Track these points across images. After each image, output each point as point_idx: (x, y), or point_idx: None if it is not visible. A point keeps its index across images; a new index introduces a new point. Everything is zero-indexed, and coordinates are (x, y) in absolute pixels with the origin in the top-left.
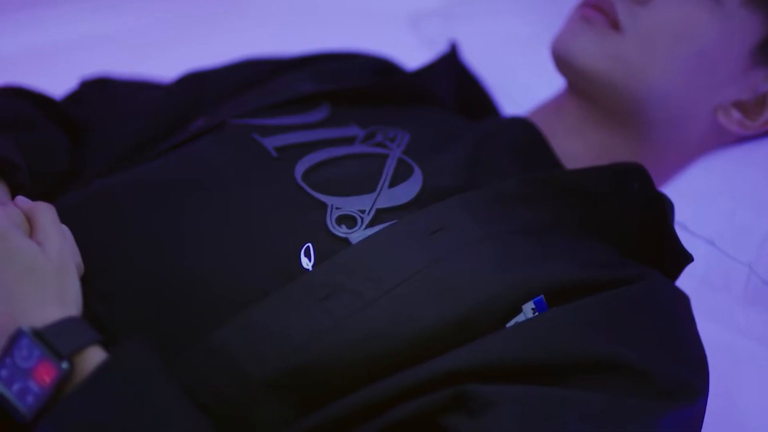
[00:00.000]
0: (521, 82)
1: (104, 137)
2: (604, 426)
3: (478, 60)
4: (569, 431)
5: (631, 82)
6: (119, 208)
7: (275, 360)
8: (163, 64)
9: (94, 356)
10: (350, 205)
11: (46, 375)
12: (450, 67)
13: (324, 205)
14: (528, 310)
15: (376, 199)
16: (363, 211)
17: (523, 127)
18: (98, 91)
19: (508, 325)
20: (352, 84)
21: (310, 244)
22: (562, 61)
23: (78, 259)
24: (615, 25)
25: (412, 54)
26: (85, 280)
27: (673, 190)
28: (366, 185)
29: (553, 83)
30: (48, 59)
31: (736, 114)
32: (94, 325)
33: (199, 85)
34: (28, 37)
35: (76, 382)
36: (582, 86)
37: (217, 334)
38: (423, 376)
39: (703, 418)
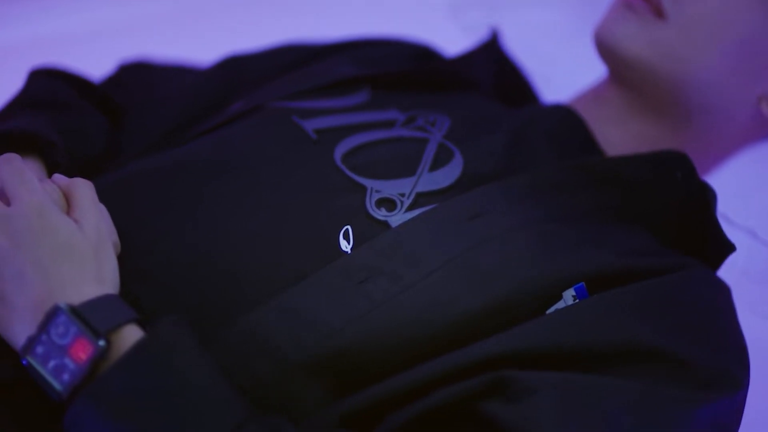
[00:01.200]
0: (561, 70)
1: (142, 120)
2: (643, 415)
3: (518, 48)
4: (608, 419)
5: (673, 69)
6: (157, 189)
7: (313, 343)
8: (187, 50)
9: (130, 334)
10: (390, 188)
11: (82, 352)
12: (490, 55)
13: (363, 188)
14: (568, 297)
15: (416, 182)
16: (403, 195)
17: (564, 114)
18: (136, 74)
19: (548, 311)
20: (393, 68)
21: (349, 227)
22: (604, 48)
23: (115, 237)
24: (658, 12)
25: (452, 42)
26: (122, 260)
27: (715, 179)
28: (406, 169)
29: (594, 72)
30: (64, 48)
31: None
32: (131, 304)
33: (238, 69)
34: (47, 25)
35: (112, 360)
36: (624, 74)
37: (254, 316)
38: (462, 361)
39: (743, 410)
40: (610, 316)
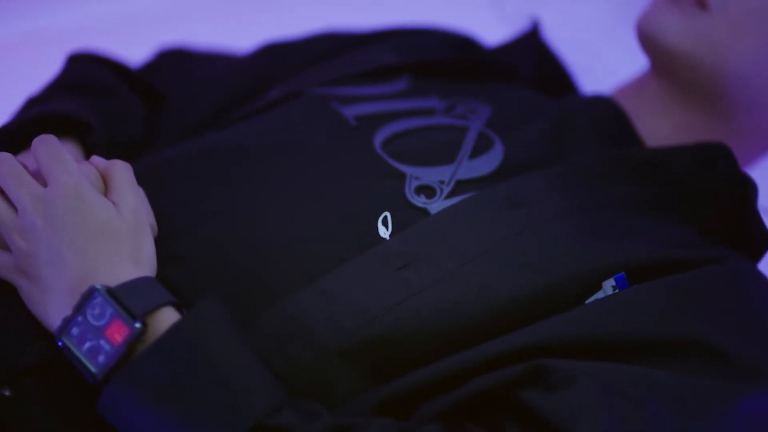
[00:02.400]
0: (602, 62)
1: (180, 106)
2: (683, 407)
3: (558, 39)
4: (648, 411)
5: (717, 62)
6: (195, 173)
7: (350, 328)
8: (225, 38)
9: (167, 317)
10: (429, 175)
11: (117, 334)
12: (531, 46)
13: (403, 175)
14: (608, 287)
15: (456, 170)
16: (442, 182)
17: (605, 105)
18: (175, 61)
19: (588, 301)
20: (434, 57)
21: (387, 213)
22: (647, 40)
23: (152, 220)
24: (701, 3)
25: (493, 32)
26: (159, 243)
27: (757, 172)
28: (446, 156)
29: (635, 64)
30: (103, 34)
31: None
32: (168, 287)
33: (277, 56)
34: (85, 11)
35: (148, 343)
36: (667, 66)
37: (291, 301)
38: (500, 349)
39: None
40: (650, 306)
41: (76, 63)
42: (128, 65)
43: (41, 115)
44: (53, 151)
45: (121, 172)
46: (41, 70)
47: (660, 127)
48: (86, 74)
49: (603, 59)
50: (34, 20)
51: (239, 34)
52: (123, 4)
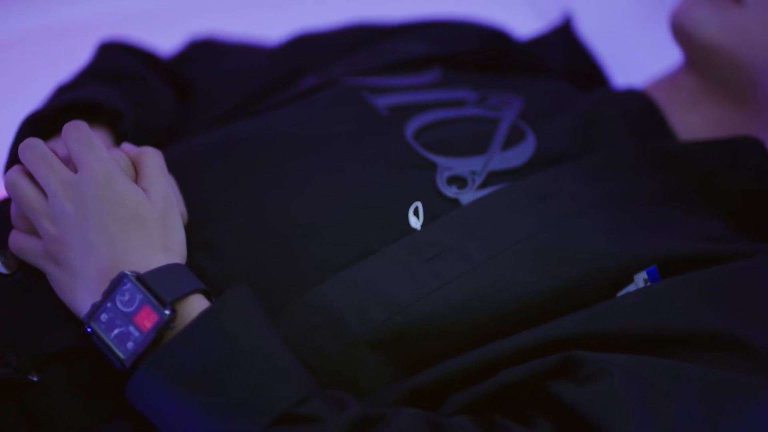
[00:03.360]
0: (634, 56)
1: (210, 95)
2: (713, 401)
3: (591, 32)
4: (678, 404)
5: (751, 56)
6: (225, 161)
7: (379, 318)
8: (255, 29)
9: (197, 304)
10: (461, 165)
11: (147, 320)
12: (563, 39)
13: (434, 165)
14: (640, 280)
15: (488, 161)
16: (474, 173)
17: (638, 98)
18: (205, 51)
19: (619, 294)
20: (466, 48)
21: (419, 204)
22: (680, 33)
23: (183, 207)
24: None
25: (525, 25)
26: (189, 231)
27: None
28: (477, 147)
29: (668, 58)
30: (133, 24)
31: None
32: (197, 275)
33: (308, 47)
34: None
35: (177, 330)
36: (700, 60)
37: (321, 290)
38: (531, 341)
39: None
40: (682, 300)
41: (106, 51)
42: (157, 54)
43: (71, 102)
44: (84, 137)
45: (152, 158)
46: (72, 61)
47: (693, 120)
48: (116, 62)
49: (635, 53)
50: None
51: (267, 25)
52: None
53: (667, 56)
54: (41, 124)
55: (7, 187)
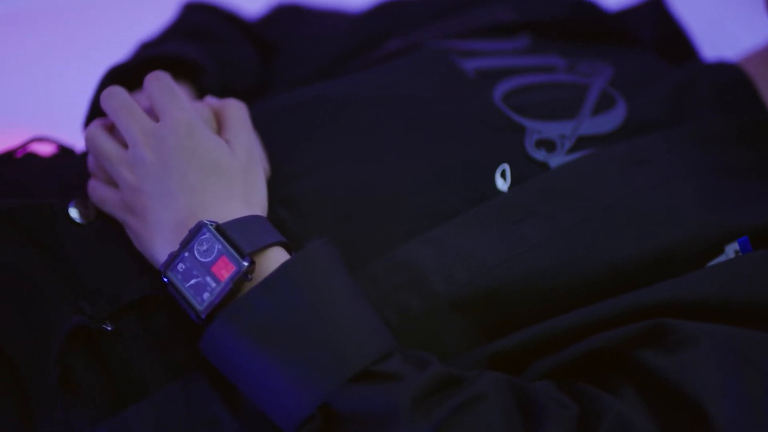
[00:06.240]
0: (726, 31)
1: (294, 57)
2: None
3: (680, 5)
4: None
5: None
6: (311, 119)
7: (464, 279)
8: None
9: (276, 256)
10: (550, 129)
11: (224, 270)
12: (653, 11)
13: (523, 128)
14: (731, 251)
15: (578, 125)
16: (564, 137)
17: (731, 71)
18: (290, 15)
19: (709, 264)
20: (556, 16)
21: (506, 166)
22: None
23: (265, 162)
24: None
25: None
26: (271, 185)
27: None
28: (567, 111)
29: (759, 33)
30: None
31: None
32: (278, 229)
33: (396, 12)
34: None
35: (255, 282)
36: None
37: (406, 249)
38: (619, 308)
39: None
40: None
41: (191, 11)
42: (242, 15)
43: (154, 57)
44: (166, 88)
45: (236, 111)
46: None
47: None
48: (200, 21)
49: (725, 28)
50: None
51: None
52: None
53: (759, 30)
54: (123, 79)
55: (87, 140)
